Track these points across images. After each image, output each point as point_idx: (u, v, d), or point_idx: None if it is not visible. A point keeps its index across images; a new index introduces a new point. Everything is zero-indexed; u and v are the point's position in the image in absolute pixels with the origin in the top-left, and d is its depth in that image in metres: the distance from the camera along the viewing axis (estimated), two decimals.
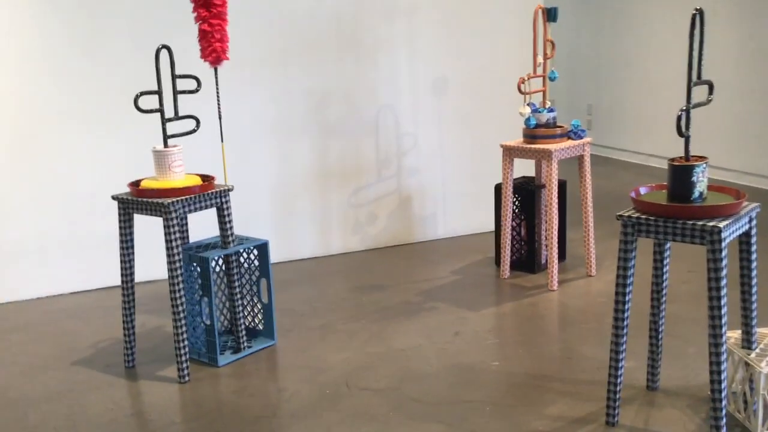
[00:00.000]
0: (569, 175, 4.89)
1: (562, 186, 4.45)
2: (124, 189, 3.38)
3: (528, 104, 4.09)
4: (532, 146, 4.07)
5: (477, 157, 5.11)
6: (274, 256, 4.73)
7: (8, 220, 4.22)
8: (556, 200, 4.05)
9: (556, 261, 4.09)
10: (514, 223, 4.40)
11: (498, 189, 4.42)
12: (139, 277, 4.35)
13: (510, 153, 4.17)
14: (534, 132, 4.10)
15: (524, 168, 5.01)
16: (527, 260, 4.43)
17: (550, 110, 4.14)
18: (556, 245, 4.07)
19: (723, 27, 6.49)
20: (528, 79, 4.07)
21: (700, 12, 2.49)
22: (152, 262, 4.32)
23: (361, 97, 4.89)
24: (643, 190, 2.68)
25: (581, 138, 4.16)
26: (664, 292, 2.82)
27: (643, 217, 2.51)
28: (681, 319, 3.59)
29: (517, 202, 4.43)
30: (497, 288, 4.22)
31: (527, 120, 4.07)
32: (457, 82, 5.05)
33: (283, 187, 4.81)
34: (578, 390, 2.98)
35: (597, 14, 8.07)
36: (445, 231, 5.21)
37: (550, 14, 4.15)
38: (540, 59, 4.14)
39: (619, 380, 2.65)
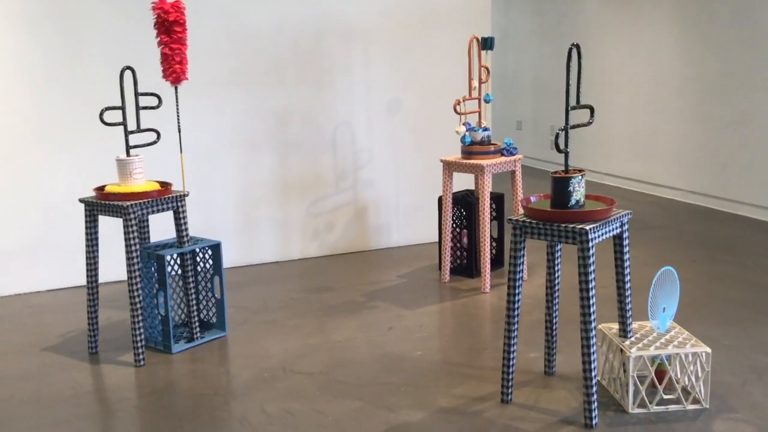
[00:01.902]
0: (508, 189, 5.30)
1: (499, 198, 4.87)
2: (91, 194, 3.79)
3: (464, 123, 4.51)
4: (468, 161, 4.49)
5: (426, 172, 5.53)
6: (238, 260, 5.14)
7: None
8: (488, 211, 4.47)
9: (489, 266, 4.50)
10: (455, 231, 4.81)
11: (440, 200, 4.83)
12: (109, 277, 4.75)
13: (449, 167, 4.59)
14: (470, 149, 4.52)
15: (468, 182, 5.44)
16: (467, 266, 4.83)
17: (485, 129, 4.57)
18: (488, 252, 4.48)
19: (668, 56, 6.96)
20: (463, 101, 4.50)
21: (577, 46, 2.92)
22: (122, 264, 4.71)
23: (320, 116, 5.32)
24: (533, 199, 3.09)
25: (513, 155, 4.58)
26: (557, 288, 3.22)
27: (529, 220, 2.92)
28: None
29: (459, 213, 4.84)
30: (436, 290, 4.62)
31: (463, 138, 4.49)
32: (409, 102, 5.49)
33: (247, 196, 5.22)
34: (484, 375, 3.38)
35: (558, 44, 8.55)
36: (398, 239, 5.62)
37: (486, 43, 4.59)
38: (475, 83, 4.58)
39: (511, 363, 3.05)
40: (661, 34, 7.02)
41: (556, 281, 3.21)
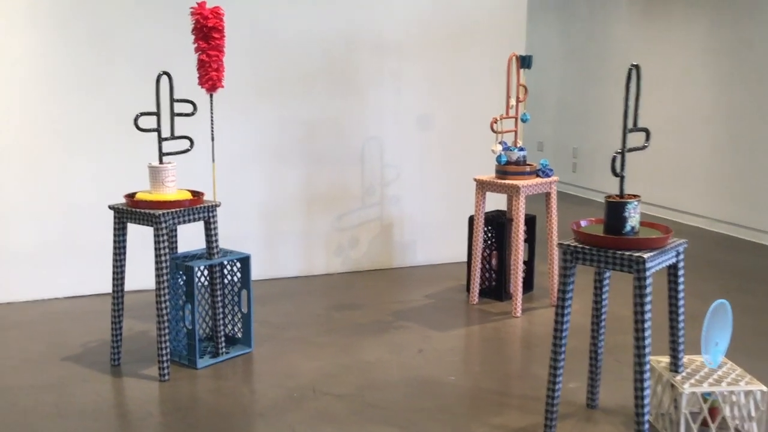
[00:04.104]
0: (540, 211, 5.18)
1: (531, 220, 4.75)
2: (117, 200, 3.69)
3: (500, 143, 4.41)
4: (503, 182, 4.38)
5: (455, 190, 5.43)
6: (261, 273, 5.02)
7: (12, 226, 4.52)
8: (522, 233, 4.35)
9: (520, 289, 4.37)
10: (485, 253, 4.69)
11: (471, 220, 4.72)
12: (132, 285, 4.64)
13: (482, 187, 4.48)
14: (505, 168, 4.41)
15: (499, 202, 5.33)
16: (496, 289, 4.71)
17: (521, 149, 4.46)
18: (521, 275, 4.36)
19: (699, 82, 6.86)
20: (500, 119, 4.40)
21: (637, 67, 2.81)
22: (146, 273, 4.60)
23: (349, 128, 5.22)
24: (583, 223, 2.97)
25: (549, 176, 4.47)
26: (603, 317, 3.10)
27: (581, 246, 2.80)
28: (628, 345, 3.86)
29: (489, 234, 4.73)
30: (464, 312, 4.50)
31: (498, 157, 4.39)
32: (440, 118, 5.40)
33: (272, 208, 5.12)
34: (522, 404, 3.25)
35: (584, 65, 8.46)
36: (424, 258, 5.50)
37: (525, 61, 4.49)
38: (513, 102, 4.48)
39: (556, 395, 2.92)
40: (691, 59, 6.92)
41: (603, 310, 3.09)
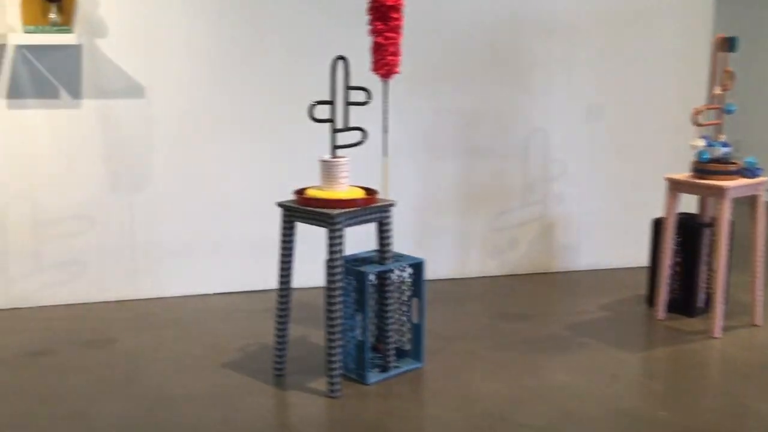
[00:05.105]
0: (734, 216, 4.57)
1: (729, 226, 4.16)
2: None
3: (702, 137, 3.84)
4: (703, 182, 3.82)
5: (628, 189, 4.88)
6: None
7: (165, 219, 4.34)
8: (727, 242, 3.78)
9: (722, 307, 3.81)
10: (673, 261, 4.14)
11: (657, 224, 4.17)
12: (272, 284, 4.37)
13: (677, 187, 3.93)
14: (705, 167, 3.84)
15: (685, 204, 4.74)
16: (683, 302, 4.15)
17: (725, 145, 3.88)
18: (722, 290, 3.80)
19: None
20: (703, 110, 3.83)
21: None
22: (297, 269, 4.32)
23: (512, 119, 4.76)
24: None
25: (756, 176, 3.87)
26: None
27: None
28: None
29: (677, 240, 4.17)
30: (652, 329, 3.97)
31: (700, 153, 3.82)
32: (614, 108, 4.84)
33: (425, 205, 4.74)
34: None
35: None
36: (588, 262, 4.98)
37: (732, 44, 3.89)
38: (717, 90, 3.89)
39: None
40: None
41: None
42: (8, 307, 4.16)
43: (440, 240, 4.78)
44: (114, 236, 4.29)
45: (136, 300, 4.33)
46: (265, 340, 3.68)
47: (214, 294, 4.46)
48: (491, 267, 4.89)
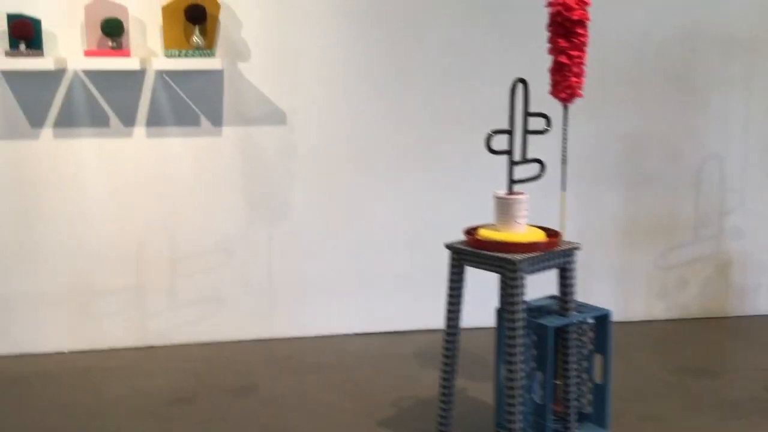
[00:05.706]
0: None
1: None
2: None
3: None
4: None
5: None
6: None
7: (303, 252, 4.06)
8: None
9: None
10: None
11: None
12: (419, 323, 4.03)
13: None
14: None
15: None
16: None
17: None
18: None
19: None
20: None
21: None
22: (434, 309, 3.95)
23: (683, 144, 4.25)
24: None
25: None
26: None
27: None
28: None
29: None
30: None
31: None
32: None
33: (583, 238, 4.23)
34: None
35: None
36: None
37: None
38: None
39: None
40: None
41: None
42: (143, 345, 3.98)
43: (599, 278, 4.30)
44: (251, 271, 4.05)
45: (273, 339, 4.07)
46: (419, 391, 3.31)
47: (354, 334, 4.14)
48: (657, 310, 4.36)
